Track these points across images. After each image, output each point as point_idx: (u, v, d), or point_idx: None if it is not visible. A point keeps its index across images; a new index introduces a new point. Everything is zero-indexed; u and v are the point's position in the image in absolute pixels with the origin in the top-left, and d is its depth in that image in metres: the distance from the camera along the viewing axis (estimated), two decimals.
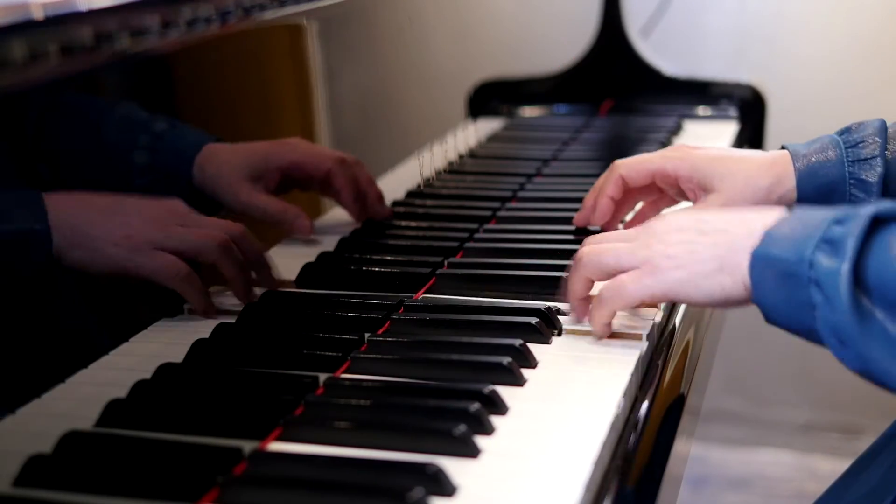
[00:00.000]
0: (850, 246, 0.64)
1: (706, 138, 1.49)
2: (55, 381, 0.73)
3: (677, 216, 0.78)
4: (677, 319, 0.87)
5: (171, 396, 0.71)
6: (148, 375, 0.73)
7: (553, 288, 0.86)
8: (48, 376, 0.72)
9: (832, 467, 1.94)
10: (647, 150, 1.35)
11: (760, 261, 0.69)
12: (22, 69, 0.63)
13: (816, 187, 0.91)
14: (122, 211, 0.81)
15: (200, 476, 0.59)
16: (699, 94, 1.64)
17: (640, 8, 1.86)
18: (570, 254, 0.94)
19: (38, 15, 0.63)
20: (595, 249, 0.78)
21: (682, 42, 2.12)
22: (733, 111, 1.62)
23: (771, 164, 0.92)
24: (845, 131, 0.93)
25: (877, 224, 0.65)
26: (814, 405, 2.10)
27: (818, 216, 0.68)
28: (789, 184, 0.91)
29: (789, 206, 0.93)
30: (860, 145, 0.90)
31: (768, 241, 0.69)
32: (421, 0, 1.39)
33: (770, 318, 0.70)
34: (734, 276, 0.71)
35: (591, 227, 1.00)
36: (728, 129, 1.54)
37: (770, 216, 0.71)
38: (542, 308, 0.82)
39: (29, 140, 0.75)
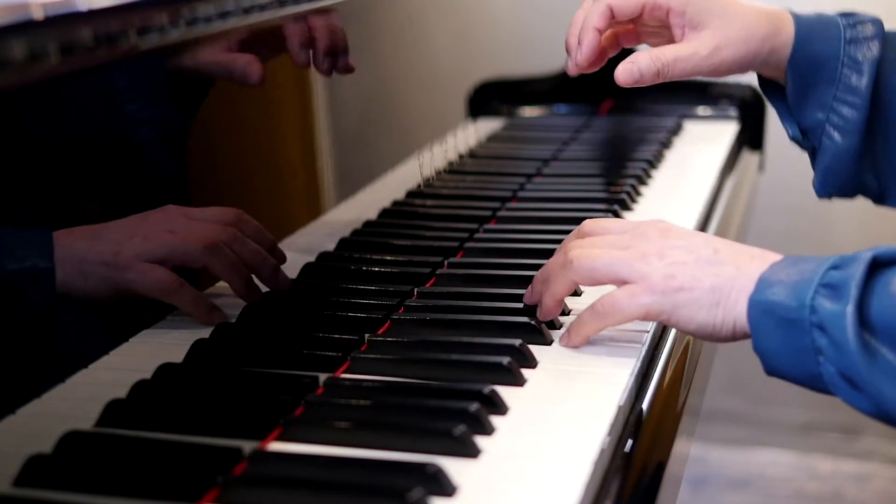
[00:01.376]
0: (853, 288, 0.64)
1: (706, 138, 1.49)
2: (55, 381, 0.73)
3: (688, 235, 0.75)
4: None
5: (170, 396, 0.71)
6: (148, 375, 0.73)
7: None
8: (48, 376, 0.72)
9: (832, 467, 1.94)
10: (648, 151, 1.37)
11: (759, 307, 0.68)
12: (22, 69, 0.63)
13: (809, 56, 0.91)
14: (110, 230, 0.78)
15: (200, 476, 0.59)
16: (699, 93, 1.64)
17: None
18: None
19: (38, 15, 0.63)
20: (588, 255, 0.75)
21: None
22: (733, 111, 1.61)
23: (770, 15, 0.92)
24: (847, 14, 0.93)
25: (875, 267, 0.66)
26: (813, 405, 2.10)
27: (812, 262, 0.68)
28: (785, 39, 0.91)
29: (778, 65, 0.93)
30: (859, 27, 0.91)
31: (764, 287, 0.68)
32: (421, 0, 1.38)
33: (770, 366, 0.70)
34: (727, 315, 0.70)
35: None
36: (728, 129, 1.54)
37: (766, 261, 0.71)
38: None
39: (31, 141, 0.74)
